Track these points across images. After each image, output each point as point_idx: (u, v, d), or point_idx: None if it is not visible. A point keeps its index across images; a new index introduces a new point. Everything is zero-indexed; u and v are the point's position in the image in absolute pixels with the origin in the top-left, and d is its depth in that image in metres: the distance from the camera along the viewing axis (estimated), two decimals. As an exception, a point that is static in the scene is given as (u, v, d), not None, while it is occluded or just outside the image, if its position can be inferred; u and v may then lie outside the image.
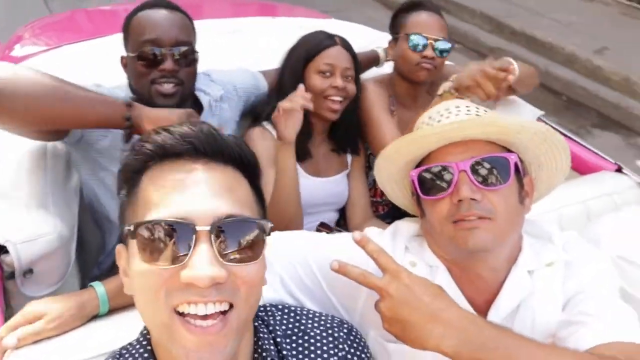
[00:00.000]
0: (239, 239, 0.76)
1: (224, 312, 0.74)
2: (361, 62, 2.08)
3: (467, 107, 1.15)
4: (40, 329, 1.06)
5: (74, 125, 1.45)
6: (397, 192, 1.27)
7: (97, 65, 2.04)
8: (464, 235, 1.04)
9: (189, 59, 1.65)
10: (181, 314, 0.73)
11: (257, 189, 0.86)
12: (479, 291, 1.12)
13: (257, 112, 1.97)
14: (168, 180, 0.76)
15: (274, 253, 1.05)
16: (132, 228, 0.74)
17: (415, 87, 2.09)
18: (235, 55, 2.19)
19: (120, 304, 1.18)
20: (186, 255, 0.72)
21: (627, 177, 1.84)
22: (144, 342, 0.85)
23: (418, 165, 1.15)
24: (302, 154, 1.88)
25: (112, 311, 1.18)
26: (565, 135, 2.09)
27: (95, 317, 1.16)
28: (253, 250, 0.77)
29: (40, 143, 1.61)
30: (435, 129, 1.09)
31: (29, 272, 1.30)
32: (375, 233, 1.21)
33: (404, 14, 2.06)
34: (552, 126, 2.19)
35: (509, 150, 1.11)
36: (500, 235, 1.05)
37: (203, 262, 0.71)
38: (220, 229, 0.74)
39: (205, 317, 0.73)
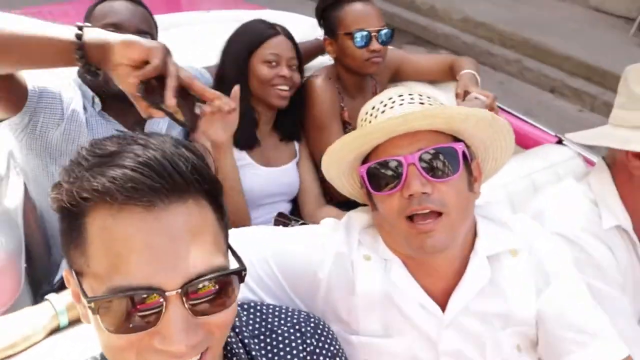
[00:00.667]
0: (212, 293, 0.69)
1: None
2: (306, 52, 2.08)
3: (410, 95, 1.13)
4: None
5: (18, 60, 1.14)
6: (348, 187, 1.25)
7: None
8: (420, 239, 1.04)
9: None
10: None
11: (219, 208, 0.75)
12: (437, 281, 1.13)
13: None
14: (120, 236, 0.65)
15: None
16: (92, 305, 0.66)
17: (362, 78, 2.11)
18: (173, 51, 2.11)
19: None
20: (156, 322, 0.66)
21: (568, 148, 1.92)
22: None
23: (366, 159, 1.13)
24: (251, 142, 1.87)
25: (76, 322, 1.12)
26: (506, 112, 2.15)
27: (57, 329, 1.10)
28: (228, 298, 0.71)
29: None
30: (380, 124, 1.06)
31: None
32: (330, 226, 1.21)
33: (337, 8, 2.02)
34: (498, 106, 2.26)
35: (456, 139, 1.11)
36: (455, 229, 1.06)
37: (177, 330, 0.66)
38: (191, 290, 0.67)
39: None
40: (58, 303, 1.10)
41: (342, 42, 2.01)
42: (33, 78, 1.51)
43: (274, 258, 1.13)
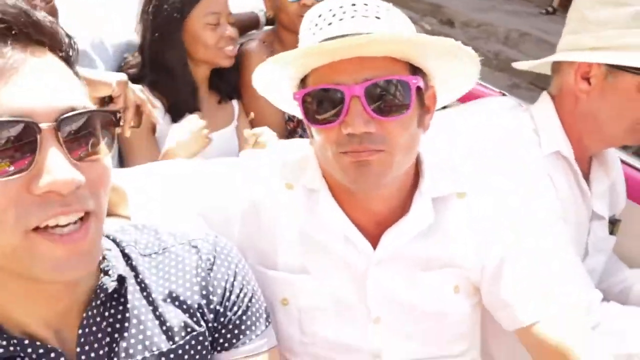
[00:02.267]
0: (88, 134, 0.66)
1: (81, 220, 0.66)
2: (241, 25, 2.01)
3: (365, 4, 0.95)
4: None
5: None
6: (288, 105, 1.13)
7: None
8: (356, 171, 0.94)
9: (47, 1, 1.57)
10: (38, 229, 0.63)
11: (82, 82, 0.73)
12: (370, 217, 1.05)
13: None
14: None
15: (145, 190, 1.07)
16: None
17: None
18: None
19: None
20: (32, 161, 0.61)
21: (510, 99, 1.88)
22: None
23: (305, 79, 1.00)
24: (192, 110, 1.78)
25: None
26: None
27: None
28: (103, 150, 0.68)
29: None
30: (322, 46, 0.89)
31: None
32: (249, 154, 1.20)
33: None
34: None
35: (412, 67, 0.96)
36: (395, 168, 0.96)
37: (60, 164, 0.61)
38: (67, 125, 0.63)
39: (66, 226, 0.64)
40: None
41: None
42: None
43: (189, 191, 1.10)
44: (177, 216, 1.08)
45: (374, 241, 1.04)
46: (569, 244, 1.27)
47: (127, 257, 0.84)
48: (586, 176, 1.44)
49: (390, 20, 0.95)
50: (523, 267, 1.04)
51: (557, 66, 1.42)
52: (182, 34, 1.73)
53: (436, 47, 0.93)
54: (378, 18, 0.94)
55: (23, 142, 0.61)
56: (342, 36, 0.91)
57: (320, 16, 0.98)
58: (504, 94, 1.97)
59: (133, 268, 0.84)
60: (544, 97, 1.46)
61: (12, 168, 0.60)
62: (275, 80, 1.03)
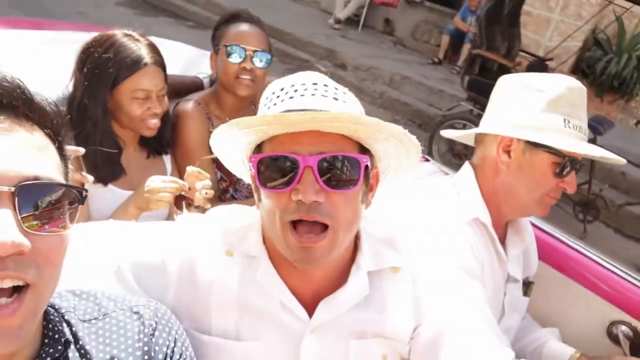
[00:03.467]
0: (49, 206, 0.67)
1: (17, 290, 0.66)
2: (182, 87, 2.06)
3: (325, 85, 1.00)
4: None
5: None
6: (237, 168, 1.16)
7: None
8: (301, 252, 0.97)
9: None
10: None
11: (65, 162, 0.76)
12: (307, 285, 1.06)
13: None
14: None
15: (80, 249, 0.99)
16: None
17: (239, 99, 2.07)
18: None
19: None
20: None
21: (432, 164, 2.04)
22: None
23: (260, 145, 1.02)
24: (116, 174, 1.76)
25: None
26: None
27: None
28: (63, 221, 0.69)
29: None
30: (284, 117, 0.93)
31: None
32: (187, 221, 1.16)
33: (224, 25, 2.03)
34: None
35: (361, 147, 1.01)
36: (339, 244, 0.99)
37: (4, 226, 0.63)
38: (27, 192, 0.65)
39: None
40: None
41: (220, 55, 2.00)
42: None
43: (127, 257, 1.08)
44: (97, 274, 1.06)
45: (310, 308, 1.05)
46: (486, 303, 1.32)
47: (67, 323, 0.84)
48: (502, 241, 1.53)
49: (345, 102, 1.01)
50: (448, 339, 1.08)
51: (481, 138, 1.53)
52: (108, 99, 1.71)
53: (388, 132, 0.98)
54: (335, 99, 0.99)
55: None
56: (303, 110, 0.95)
57: (282, 89, 1.01)
58: (427, 159, 2.11)
59: (73, 334, 0.83)
60: (466, 166, 1.55)
61: None
62: (227, 142, 1.06)
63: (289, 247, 0.98)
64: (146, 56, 1.71)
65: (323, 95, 0.98)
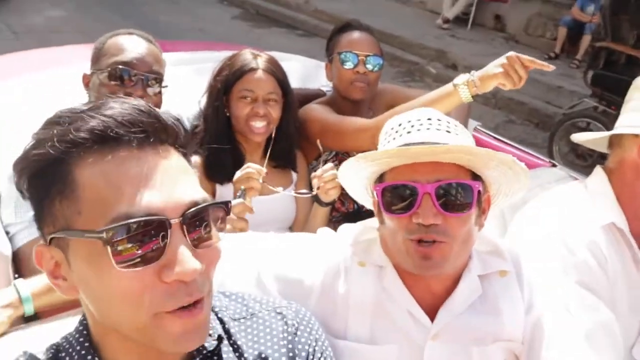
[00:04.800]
0: (207, 224, 0.73)
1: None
2: (305, 97, 2.18)
3: (438, 120, 1.14)
4: None
5: None
6: (360, 195, 1.30)
7: (42, 101, 2.05)
8: (420, 260, 1.07)
9: (159, 91, 1.72)
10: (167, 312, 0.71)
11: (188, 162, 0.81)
12: (428, 293, 1.15)
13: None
14: (122, 172, 0.68)
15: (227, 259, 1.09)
16: (103, 235, 0.66)
17: (356, 105, 2.15)
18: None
19: (48, 304, 1.12)
20: (162, 252, 0.68)
21: (561, 170, 1.97)
22: (81, 338, 0.79)
23: (382, 175, 1.15)
24: (230, 176, 1.83)
25: (42, 314, 1.11)
26: (502, 141, 2.22)
27: (24, 319, 1.09)
28: (215, 234, 0.75)
29: None
30: (405, 150, 1.07)
31: None
32: (325, 235, 1.28)
33: (337, 35, 2.15)
34: (490, 134, 2.35)
35: (474, 174, 1.12)
36: (454, 258, 1.09)
37: (187, 255, 0.69)
38: (191, 218, 0.71)
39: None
40: (24, 288, 1.09)
41: (334, 64, 2.12)
42: None
43: (269, 266, 1.18)
44: (249, 283, 1.15)
45: (431, 315, 1.14)
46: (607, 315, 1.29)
47: (220, 321, 0.91)
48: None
49: (457, 134, 1.13)
50: (557, 340, 1.15)
51: (617, 141, 1.46)
52: (224, 105, 1.88)
53: (497, 159, 1.09)
54: (448, 132, 1.12)
55: (156, 235, 0.68)
56: (420, 143, 1.08)
57: (400, 125, 1.16)
58: (554, 165, 2.04)
59: (226, 331, 0.90)
60: (598, 171, 1.49)
61: (145, 258, 0.68)
62: (351, 172, 1.21)
63: (409, 255, 1.08)
64: (257, 63, 1.86)
65: (437, 129, 1.12)
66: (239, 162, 1.87)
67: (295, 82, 2.44)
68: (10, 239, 1.52)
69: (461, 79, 1.73)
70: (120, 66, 1.62)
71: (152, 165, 0.70)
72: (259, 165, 1.67)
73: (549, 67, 1.69)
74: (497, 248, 1.23)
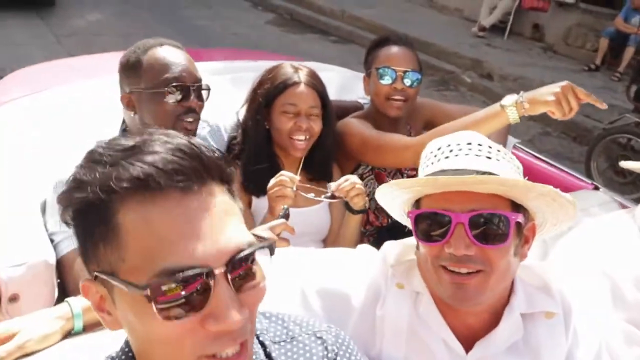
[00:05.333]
0: (249, 269, 0.72)
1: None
2: (344, 110, 2.14)
3: (479, 145, 1.08)
4: (14, 347, 1.04)
5: None
6: (399, 217, 1.26)
7: (85, 108, 2.08)
8: (453, 289, 1.03)
9: (204, 95, 1.72)
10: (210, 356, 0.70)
11: (233, 195, 0.78)
12: (464, 324, 1.11)
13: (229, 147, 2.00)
14: (161, 221, 0.66)
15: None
16: (147, 292, 0.65)
17: (393, 120, 2.11)
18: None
19: (96, 321, 1.12)
20: (205, 302, 0.67)
21: (604, 194, 1.90)
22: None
23: (418, 200, 1.11)
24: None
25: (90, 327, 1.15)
26: (543, 160, 2.15)
27: (71, 334, 1.13)
28: (259, 273, 0.73)
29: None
30: (437, 180, 1.02)
31: (14, 298, 1.33)
32: (366, 253, 1.24)
33: (375, 49, 2.11)
34: (530, 152, 2.28)
35: (514, 204, 1.05)
36: (490, 289, 1.03)
37: (229, 307, 0.67)
38: (235, 266, 0.69)
39: None
40: (76, 306, 1.13)
41: (372, 78, 2.08)
42: None
43: (312, 281, 1.15)
44: (289, 296, 1.14)
45: (467, 346, 1.10)
46: None
47: (262, 344, 0.90)
48: None
49: (499, 160, 1.07)
50: None
51: None
52: (265, 118, 1.86)
53: (536, 191, 1.02)
54: (488, 158, 1.06)
55: (199, 286, 0.66)
56: (456, 169, 1.04)
57: (439, 149, 1.11)
58: (596, 187, 1.97)
59: (267, 354, 0.89)
60: None
61: (188, 308, 0.67)
62: (388, 197, 1.18)
63: (442, 284, 1.04)
64: (299, 77, 1.84)
65: (476, 155, 1.06)
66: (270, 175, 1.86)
67: (332, 93, 2.42)
68: (55, 247, 1.56)
69: (509, 100, 1.67)
70: (175, 83, 1.62)
71: (196, 212, 0.68)
72: (292, 173, 1.65)
73: (603, 105, 1.64)
74: (547, 285, 1.15)
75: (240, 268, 0.70)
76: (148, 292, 0.65)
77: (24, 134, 1.94)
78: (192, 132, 1.66)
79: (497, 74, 7.32)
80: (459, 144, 1.09)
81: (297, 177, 1.65)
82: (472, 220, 1.00)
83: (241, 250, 0.69)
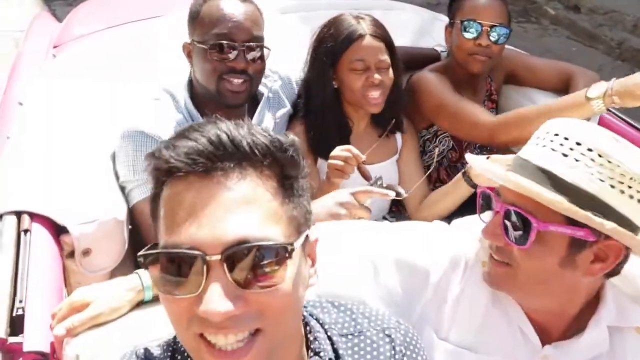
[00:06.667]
0: (256, 264, 0.69)
1: (252, 334, 0.71)
2: (417, 60, 2.04)
3: (577, 143, 0.96)
4: (86, 318, 1.08)
5: None
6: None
7: (158, 47, 2.05)
8: (486, 275, 1.06)
9: (260, 55, 1.63)
10: (202, 336, 0.71)
11: (288, 184, 0.75)
12: (541, 323, 1.07)
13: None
14: (177, 202, 0.71)
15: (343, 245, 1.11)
16: (140, 259, 0.73)
17: (474, 75, 2.01)
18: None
19: None
20: (199, 286, 0.68)
21: None
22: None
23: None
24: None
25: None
26: (636, 128, 1.95)
27: (142, 303, 1.17)
28: (274, 276, 0.70)
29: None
30: (503, 177, 0.99)
31: (87, 252, 1.41)
32: (446, 226, 1.22)
33: None
34: (622, 117, 2.06)
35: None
36: (518, 285, 1.02)
37: (214, 297, 0.67)
38: (233, 256, 0.68)
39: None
40: (145, 278, 1.15)
41: (454, 29, 1.96)
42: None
43: (387, 255, 1.13)
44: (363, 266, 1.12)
45: (543, 340, 1.07)
46: None
47: (329, 339, 0.89)
48: None
49: (577, 161, 0.95)
50: None
51: None
52: (332, 77, 1.78)
53: (576, 215, 0.93)
54: (565, 155, 0.96)
55: (195, 269, 0.68)
56: (525, 160, 1.01)
57: (537, 137, 1.04)
58: None
59: (334, 350, 0.88)
60: None
61: (182, 288, 0.70)
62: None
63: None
64: (363, 28, 1.74)
65: (552, 149, 0.98)
66: (345, 135, 1.83)
67: (407, 37, 2.28)
68: (127, 194, 1.62)
69: (596, 91, 1.55)
70: (221, 40, 1.57)
71: (209, 195, 0.69)
72: (360, 152, 1.58)
73: None
74: None
75: (242, 261, 0.68)
76: (142, 259, 0.72)
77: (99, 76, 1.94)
78: (239, 95, 1.61)
79: (585, 6, 6.70)
80: (557, 134, 0.99)
81: (364, 157, 1.57)
82: (507, 213, 0.99)
83: (244, 242, 0.68)
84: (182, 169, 0.70)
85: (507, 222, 0.99)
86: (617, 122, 2.01)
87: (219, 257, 0.67)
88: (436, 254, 1.13)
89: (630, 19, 6.32)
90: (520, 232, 0.97)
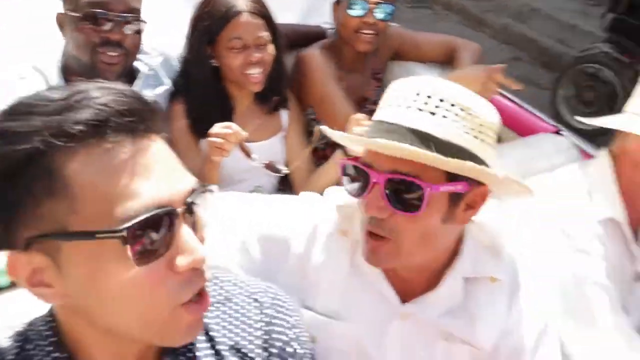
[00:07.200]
0: (199, 210, 0.72)
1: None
2: (303, 38, 2.05)
3: (427, 96, 0.96)
4: None
5: None
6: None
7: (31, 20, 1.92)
8: (368, 254, 1.02)
9: (137, 28, 1.58)
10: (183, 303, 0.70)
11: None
12: (401, 280, 1.09)
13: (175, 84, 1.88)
14: (121, 165, 0.64)
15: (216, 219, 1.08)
16: (124, 234, 0.62)
17: (360, 53, 2.03)
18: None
19: None
20: (170, 243, 0.66)
21: (565, 139, 1.89)
22: (49, 332, 0.75)
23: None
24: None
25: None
26: (505, 97, 2.11)
27: None
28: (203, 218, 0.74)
29: None
30: (368, 141, 0.97)
31: None
32: (309, 199, 1.21)
33: None
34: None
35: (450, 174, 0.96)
36: (403, 255, 1.00)
37: (194, 242, 0.68)
38: (191, 206, 0.70)
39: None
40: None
41: (341, 8, 1.97)
42: None
43: (253, 228, 1.14)
44: (228, 240, 1.13)
45: (404, 298, 1.09)
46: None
47: None
48: (635, 238, 1.42)
49: (445, 117, 0.96)
50: None
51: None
52: (210, 56, 1.74)
53: (470, 172, 0.95)
54: (432, 114, 0.95)
55: (165, 227, 0.66)
56: (391, 124, 0.97)
57: (396, 97, 1.00)
58: (558, 132, 1.95)
59: None
60: (604, 156, 1.43)
61: (158, 251, 0.66)
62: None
63: (363, 243, 1.03)
64: (239, 4, 1.70)
65: (419, 109, 0.96)
66: (227, 114, 1.80)
67: (296, 15, 2.28)
68: None
69: None
70: (95, 9, 1.50)
71: (150, 154, 0.67)
72: (241, 129, 1.56)
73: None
74: (496, 246, 1.12)
75: (193, 209, 0.70)
76: (124, 233, 0.62)
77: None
78: (114, 68, 1.55)
79: (476, -8, 7.06)
80: (418, 93, 0.98)
81: (245, 134, 1.55)
82: (390, 182, 0.95)
83: (194, 190, 0.70)
84: (118, 123, 0.64)
85: (388, 191, 0.95)
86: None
87: (183, 207, 0.68)
88: (297, 225, 1.13)
89: (514, 5, 6.76)
90: (409, 199, 0.95)
